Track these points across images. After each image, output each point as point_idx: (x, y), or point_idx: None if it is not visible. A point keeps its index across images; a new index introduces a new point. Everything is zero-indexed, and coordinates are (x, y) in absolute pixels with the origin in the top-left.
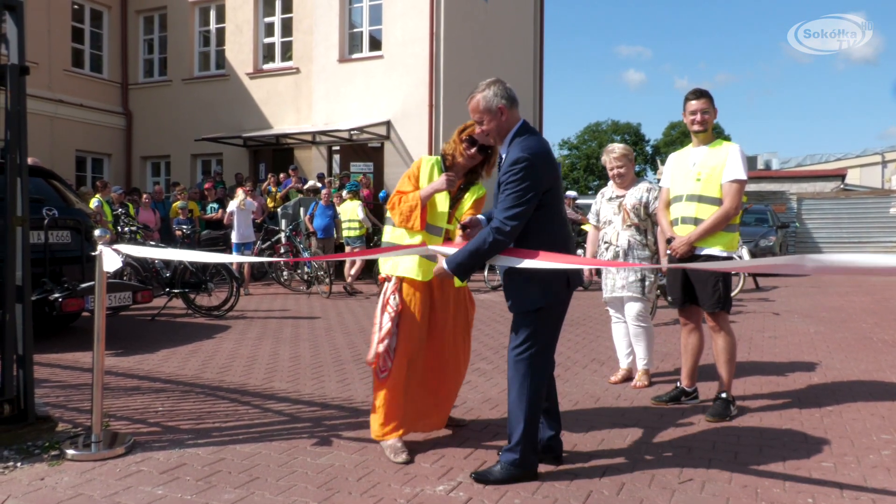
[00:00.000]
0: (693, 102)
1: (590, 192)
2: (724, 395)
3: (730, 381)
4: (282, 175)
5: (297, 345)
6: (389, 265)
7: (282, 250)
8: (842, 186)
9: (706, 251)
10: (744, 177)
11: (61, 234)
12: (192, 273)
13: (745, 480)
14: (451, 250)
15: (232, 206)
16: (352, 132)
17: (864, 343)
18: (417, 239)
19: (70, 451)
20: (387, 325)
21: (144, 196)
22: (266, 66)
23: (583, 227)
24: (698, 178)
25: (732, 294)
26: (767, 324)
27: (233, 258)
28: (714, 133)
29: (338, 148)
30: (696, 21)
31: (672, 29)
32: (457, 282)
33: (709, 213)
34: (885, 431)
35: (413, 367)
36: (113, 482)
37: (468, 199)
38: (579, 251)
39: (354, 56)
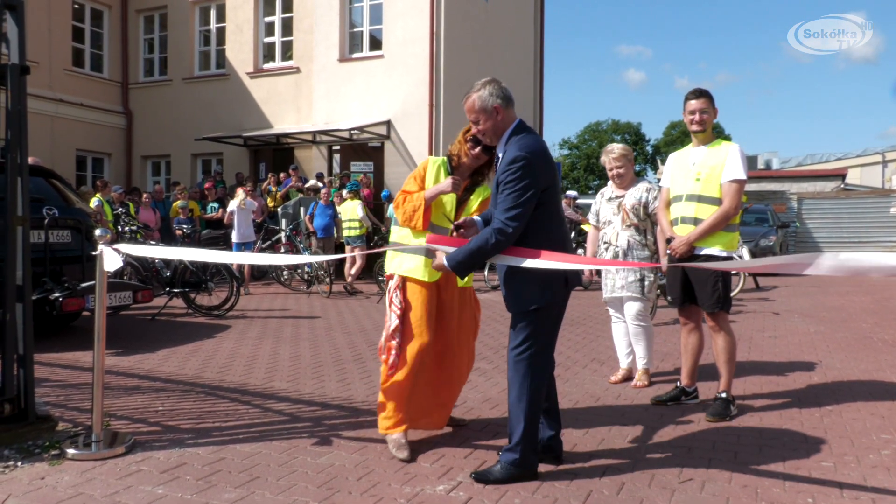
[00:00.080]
0: (692, 102)
1: (590, 192)
2: (724, 394)
3: (730, 380)
4: (282, 175)
5: (297, 344)
6: (395, 264)
7: (282, 250)
8: (842, 186)
9: (706, 251)
10: (743, 176)
11: (62, 233)
12: (193, 272)
13: (745, 480)
14: (449, 249)
15: (232, 205)
16: (352, 132)
17: (864, 343)
18: (423, 240)
19: (70, 451)
20: (394, 322)
21: (145, 195)
22: (266, 66)
23: (583, 227)
24: (698, 178)
25: (732, 294)
26: (767, 323)
27: (233, 258)
28: (714, 133)
29: (338, 147)
30: (696, 21)
31: (672, 29)
32: (460, 281)
33: (708, 213)
34: (885, 431)
35: (422, 365)
36: (113, 481)
37: (474, 201)
38: (579, 251)
39: (355, 55)
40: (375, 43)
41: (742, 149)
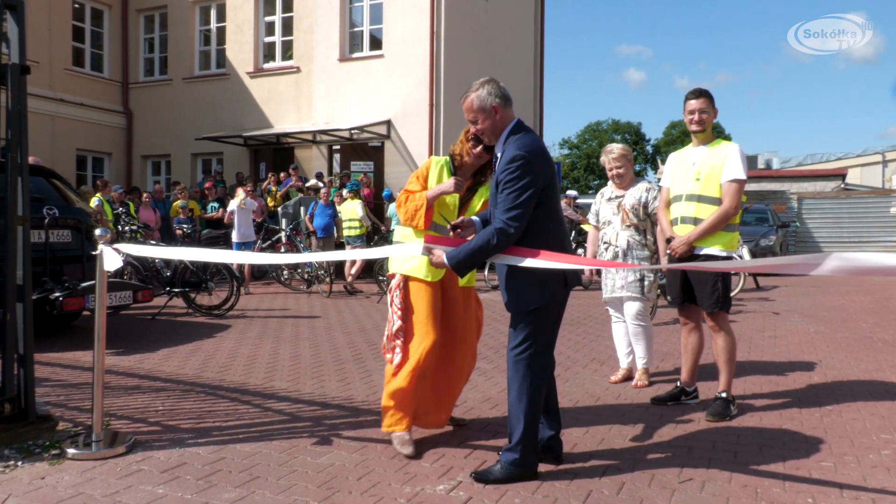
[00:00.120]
0: (692, 102)
1: (590, 192)
2: (723, 394)
3: (730, 380)
4: (282, 174)
5: (297, 344)
6: (397, 263)
7: (282, 249)
8: (842, 186)
9: (706, 251)
10: (743, 176)
11: (62, 233)
12: (193, 272)
13: (744, 480)
14: (448, 248)
15: (232, 205)
16: (352, 131)
17: (864, 343)
18: (423, 239)
19: (71, 450)
20: (397, 323)
21: (145, 195)
22: (266, 66)
23: (583, 227)
24: (698, 178)
25: (732, 294)
26: (767, 323)
27: (233, 258)
28: (714, 133)
29: (338, 147)
30: (696, 21)
31: (672, 29)
32: (462, 280)
33: (708, 213)
34: (884, 431)
35: (428, 364)
36: (113, 481)
37: (477, 201)
38: (579, 251)
39: (355, 55)
40: (376, 43)
41: (742, 149)
